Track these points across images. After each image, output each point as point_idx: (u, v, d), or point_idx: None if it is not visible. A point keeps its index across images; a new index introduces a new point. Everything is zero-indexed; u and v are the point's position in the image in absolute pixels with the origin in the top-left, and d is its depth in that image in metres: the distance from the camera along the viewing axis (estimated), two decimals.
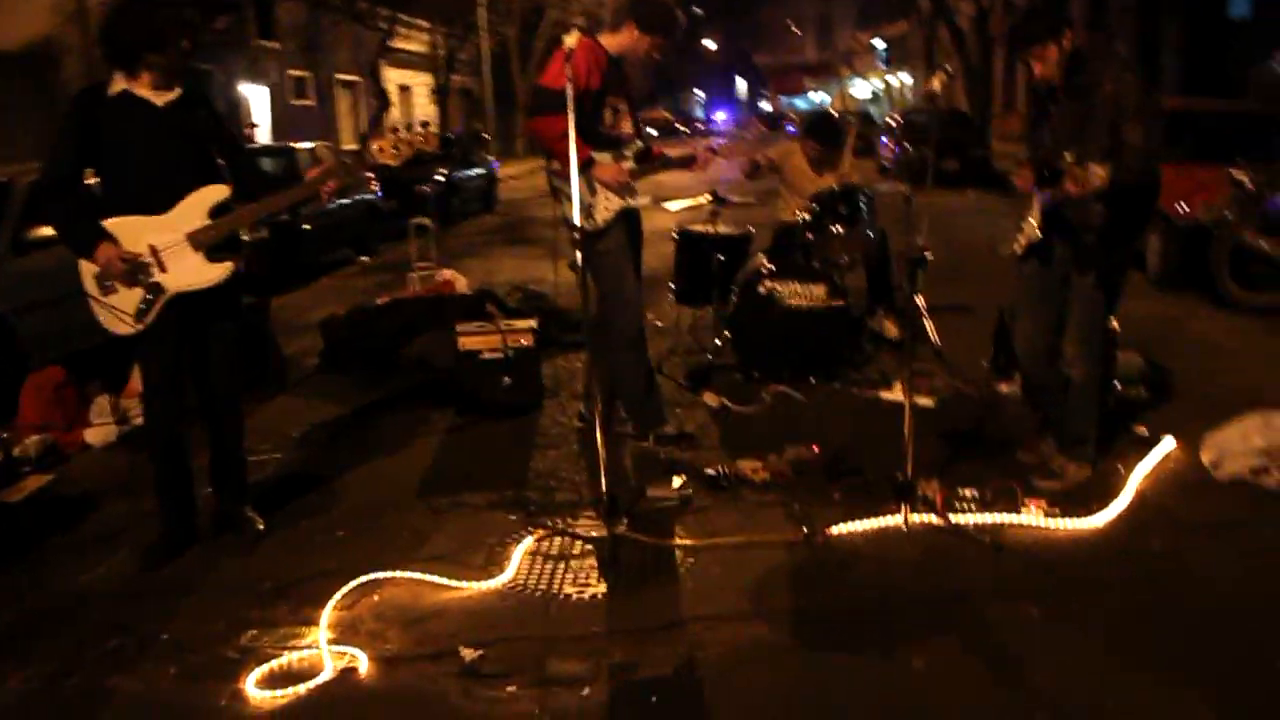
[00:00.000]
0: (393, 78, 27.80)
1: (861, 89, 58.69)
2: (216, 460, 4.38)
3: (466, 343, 5.77)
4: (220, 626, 3.57)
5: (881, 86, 53.70)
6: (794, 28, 72.34)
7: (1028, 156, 4.50)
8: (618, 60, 4.86)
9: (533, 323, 5.91)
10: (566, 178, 4.17)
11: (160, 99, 3.96)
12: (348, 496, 4.75)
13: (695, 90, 76.04)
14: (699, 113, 71.17)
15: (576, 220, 4.05)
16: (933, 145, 4.90)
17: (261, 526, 4.32)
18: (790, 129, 36.14)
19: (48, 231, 7.10)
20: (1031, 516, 4.04)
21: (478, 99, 35.37)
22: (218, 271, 4.07)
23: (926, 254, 3.97)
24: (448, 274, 8.05)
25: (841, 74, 61.45)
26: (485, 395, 5.74)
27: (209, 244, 4.03)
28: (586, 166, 4.68)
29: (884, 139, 22.39)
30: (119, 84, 3.93)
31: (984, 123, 20.71)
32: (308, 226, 11.22)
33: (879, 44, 49.69)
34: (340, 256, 12.70)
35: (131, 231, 3.95)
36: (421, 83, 33.96)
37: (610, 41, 4.86)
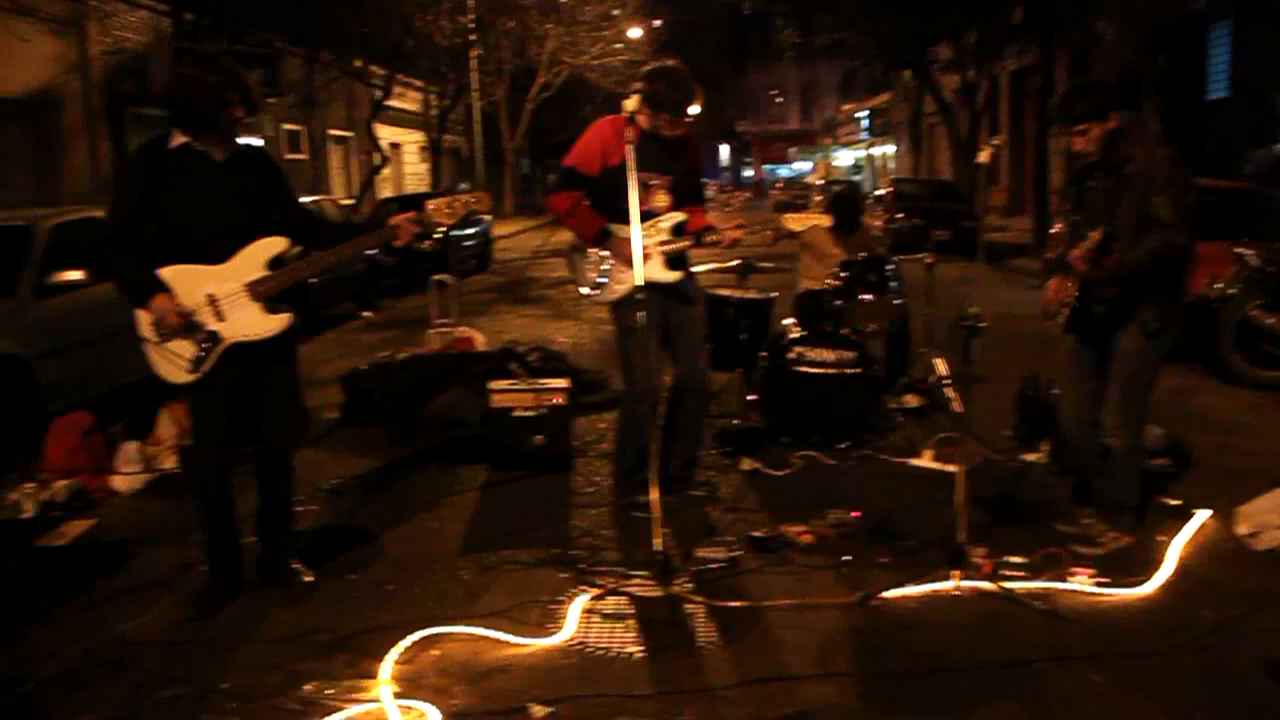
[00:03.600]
0: (384, 135, 27.93)
1: (845, 158, 59.39)
2: (264, 511, 4.38)
3: (499, 400, 5.80)
4: (279, 678, 3.56)
5: (864, 156, 54.37)
6: (778, 97, 73.32)
7: (1069, 234, 4.60)
8: (655, 136, 4.90)
9: (565, 382, 5.95)
10: (579, 250, 4.27)
11: (219, 154, 4.03)
12: (390, 551, 4.75)
13: None
14: None
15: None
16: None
17: (310, 579, 4.30)
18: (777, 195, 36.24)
19: (71, 276, 7.10)
20: (1080, 584, 4.09)
21: (467, 158, 35.60)
22: (275, 323, 4.11)
23: (981, 323, 4.04)
24: (466, 331, 8.08)
25: (824, 143, 62.20)
26: (518, 452, 5.76)
27: (267, 294, 4.08)
28: (602, 239, 4.83)
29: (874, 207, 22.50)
30: (179, 138, 4.00)
31: (971, 194, 21.00)
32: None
33: (862, 115, 50.34)
34: (342, 311, 12.73)
35: (189, 280, 3.99)
36: (412, 140, 34.18)
37: (641, 119, 4.89)
